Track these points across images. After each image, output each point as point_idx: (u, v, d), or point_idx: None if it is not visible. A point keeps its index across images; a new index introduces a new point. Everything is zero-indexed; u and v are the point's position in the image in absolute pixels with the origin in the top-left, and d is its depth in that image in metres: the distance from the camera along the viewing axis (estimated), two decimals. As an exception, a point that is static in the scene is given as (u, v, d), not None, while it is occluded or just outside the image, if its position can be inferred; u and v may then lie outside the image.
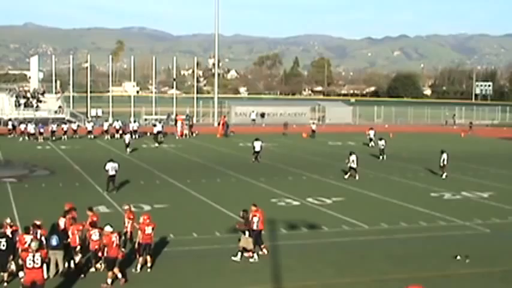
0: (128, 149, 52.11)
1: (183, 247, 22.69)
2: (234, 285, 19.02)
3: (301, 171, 42.78)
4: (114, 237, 19.00)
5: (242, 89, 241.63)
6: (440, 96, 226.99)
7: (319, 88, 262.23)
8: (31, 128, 63.37)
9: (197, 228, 23.97)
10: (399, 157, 44.78)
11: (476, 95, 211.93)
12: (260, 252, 21.68)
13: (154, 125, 65.42)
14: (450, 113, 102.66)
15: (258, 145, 47.29)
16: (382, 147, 49.81)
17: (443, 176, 40.49)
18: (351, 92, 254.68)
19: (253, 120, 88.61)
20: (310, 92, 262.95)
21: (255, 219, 21.93)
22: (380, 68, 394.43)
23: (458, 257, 21.54)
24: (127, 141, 52.85)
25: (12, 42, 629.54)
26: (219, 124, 75.67)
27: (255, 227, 21.81)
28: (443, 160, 41.01)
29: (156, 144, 58.95)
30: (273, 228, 25.32)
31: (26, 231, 19.68)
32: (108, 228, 19.11)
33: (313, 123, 76.32)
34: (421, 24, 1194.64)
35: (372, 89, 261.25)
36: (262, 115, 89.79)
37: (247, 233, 20.97)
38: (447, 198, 33.87)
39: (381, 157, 49.39)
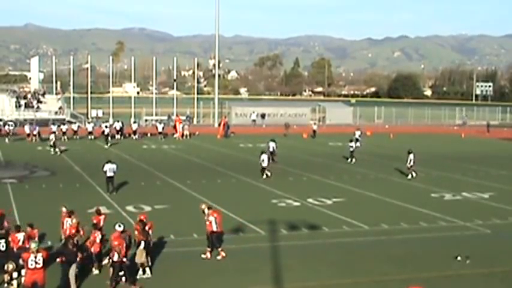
0: (54, 149, 52.32)
1: (183, 248, 22.70)
2: (234, 286, 19.02)
3: (301, 172, 42.79)
4: (123, 237, 19.13)
5: (242, 90, 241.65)
6: (440, 96, 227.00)
7: (320, 89, 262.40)
8: (27, 129, 63.60)
9: (197, 229, 23.94)
10: (399, 158, 44.73)
11: (476, 96, 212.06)
12: (218, 257, 21.49)
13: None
14: (456, 114, 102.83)
15: (272, 146, 47.38)
16: (352, 149, 49.24)
17: (409, 177, 40.46)
18: (352, 92, 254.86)
19: (254, 121, 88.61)
20: (310, 92, 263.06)
21: (211, 218, 21.67)
22: (380, 69, 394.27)
23: (459, 258, 21.54)
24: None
25: (12, 43, 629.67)
26: (219, 125, 75.69)
27: (214, 229, 21.61)
28: (410, 161, 40.88)
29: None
30: (274, 229, 25.34)
31: (17, 229, 19.73)
32: (118, 227, 19.42)
33: (314, 123, 76.35)
34: (421, 25, 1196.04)
35: (373, 89, 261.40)
36: (263, 116, 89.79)
37: (142, 244, 19.75)
38: (447, 198, 33.87)
39: (349, 159, 48.89)
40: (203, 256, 21.42)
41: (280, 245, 23.27)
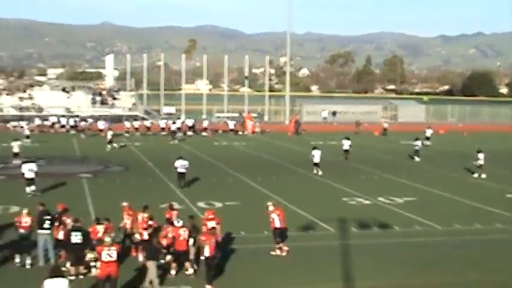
0: (112, 145, 53.12)
1: (254, 244, 22.80)
2: (304, 283, 19.02)
3: (372, 170, 42.45)
4: (182, 231, 19.37)
5: (314, 87, 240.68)
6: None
7: (392, 86, 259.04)
8: (100, 125, 65.08)
9: (268, 226, 24.05)
10: (472, 157, 43.78)
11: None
12: (277, 252, 21.58)
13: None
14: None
15: (346, 144, 47.31)
16: (417, 148, 48.65)
17: (476, 175, 39.65)
18: (424, 90, 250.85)
19: (325, 118, 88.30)
20: (382, 90, 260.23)
21: (274, 215, 21.81)
22: (454, 66, 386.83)
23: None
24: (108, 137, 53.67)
25: (89, 41, 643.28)
26: (290, 122, 75.70)
27: (277, 225, 21.73)
28: (479, 160, 40.04)
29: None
30: (344, 227, 25.22)
31: (97, 221, 20.23)
32: (177, 223, 19.63)
33: (385, 121, 75.58)
34: (497, 21, 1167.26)
35: (446, 87, 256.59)
36: (334, 113, 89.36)
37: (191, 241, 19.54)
38: (523, 199, 33.03)
39: (415, 158, 48.30)
40: (272, 253, 21.49)
41: (350, 243, 23.14)
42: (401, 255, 21.92)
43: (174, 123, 63.43)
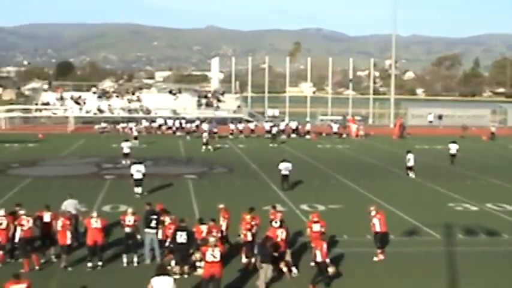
0: (207, 147, 53.70)
1: (357, 248, 22.65)
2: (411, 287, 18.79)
3: (480, 175, 41.35)
4: (279, 232, 19.48)
5: (419, 90, 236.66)
6: None
7: (501, 90, 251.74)
8: (205, 127, 66.23)
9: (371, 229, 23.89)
10: None
11: None
12: (375, 258, 21.35)
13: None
14: None
15: (454, 148, 46.47)
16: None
17: None
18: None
19: (430, 122, 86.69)
20: (491, 93, 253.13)
21: (375, 220, 21.59)
22: None
23: None
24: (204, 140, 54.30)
25: (195, 44, 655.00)
26: (395, 125, 74.78)
27: (377, 230, 21.52)
28: None
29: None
30: (450, 233, 24.69)
31: (201, 222, 20.57)
32: (274, 224, 19.89)
33: (493, 125, 73.50)
34: None
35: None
36: (440, 117, 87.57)
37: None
38: None
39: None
40: (375, 259, 21.30)
41: (456, 250, 22.63)
42: (509, 265, 21.25)
43: (274, 125, 63.70)
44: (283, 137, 65.43)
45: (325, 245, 18.54)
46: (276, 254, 18.96)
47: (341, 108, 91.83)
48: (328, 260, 18.52)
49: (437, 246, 23.34)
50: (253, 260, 19.61)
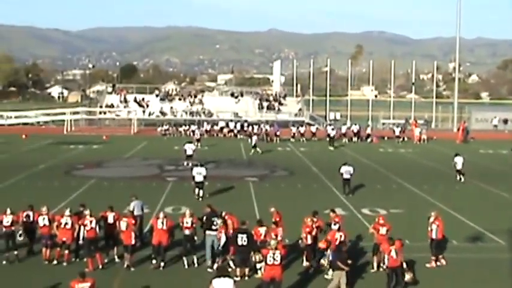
0: (255, 149, 53.44)
1: (419, 253, 22.35)
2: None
3: (547, 181, 40.39)
4: (338, 236, 19.42)
5: (483, 94, 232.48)
6: None
7: None
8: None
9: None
10: None
11: None
12: (432, 264, 21.08)
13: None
14: None
15: None
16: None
17: None
18: None
19: (495, 126, 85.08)
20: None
21: (434, 226, 21.34)
22: None
23: None
24: (253, 143, 54.15)
25: (257, 47, 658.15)
26: (458, 130, 73.64)
27: (433, 236, 21.28)
28: None
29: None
30: (515, 240, 24.22)
31: (260, 224, 20.69)
32: (333, 226, 19.90)
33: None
34: None
35: None
36: (505, 121, 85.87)
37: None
38: None
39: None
40: (427, 265, 21.01)
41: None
42: None
43: (333, 129, 63.49)
44: (344, 140, 65.11)
45: (393, 250, 18.34)
46: (350, 261, 18.63)
47: (403, 112, 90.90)
48: (405, 266, 18.39)
49: (502, 252, 22.91)
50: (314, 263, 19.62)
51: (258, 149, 53.76)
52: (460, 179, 39.51)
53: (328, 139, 61.58)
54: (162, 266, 20.36)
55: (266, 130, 66.87)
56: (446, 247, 22.93)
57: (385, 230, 20.55)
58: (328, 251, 19.35)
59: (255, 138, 55.56)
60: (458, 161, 39.96)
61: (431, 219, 21.58)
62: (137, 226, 21.92)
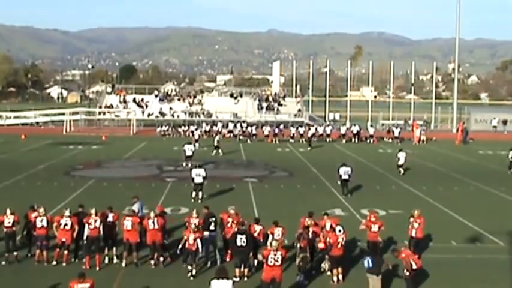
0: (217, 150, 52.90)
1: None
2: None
3: (546, 182, 40.40)
4: (340, 238, 19.41)
5: (483, 95, 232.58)
6: None
7: None
8: (266, 131, 66.93)
9: (433, 236, 23.57)
10: None
11: None
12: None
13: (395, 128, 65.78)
14: None
15: None
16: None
17: None
18: None
19: (495, 127, 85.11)
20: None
21: (415, 224, 21.43)
22: None
23: None
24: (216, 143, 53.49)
25: (256, 48, 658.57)
26: (457, 130, 73.65)
27: (413, 234, 21.43)
28: None
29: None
30: (514, 241, 24.24)
31: (256, 222, 20.91)
32: (337, 228, 19.77)
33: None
34: None
35: None
36: (505, 122, 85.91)
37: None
38: None
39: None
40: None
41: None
42: None
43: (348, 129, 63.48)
44: (343, 141, 65.21)
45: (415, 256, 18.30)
46: (390, 268, 18.50)
47: (403, 113, 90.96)
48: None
49: (501, 253, 22.92)
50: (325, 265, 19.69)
51: (220, 150, 52.73)
52: (402, 173, 41.81)
53: (307, 138, 61.22)
54: (161, 262, 20.57)
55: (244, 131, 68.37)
56: (428, 247, 23.10)
57: (377, 227, 20.64)
58: (367, 257, 18.22)
59: (218, 137, 55.06)
60: (401, 156, 42.27)
61: (414, 217, 21.60)
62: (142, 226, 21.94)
